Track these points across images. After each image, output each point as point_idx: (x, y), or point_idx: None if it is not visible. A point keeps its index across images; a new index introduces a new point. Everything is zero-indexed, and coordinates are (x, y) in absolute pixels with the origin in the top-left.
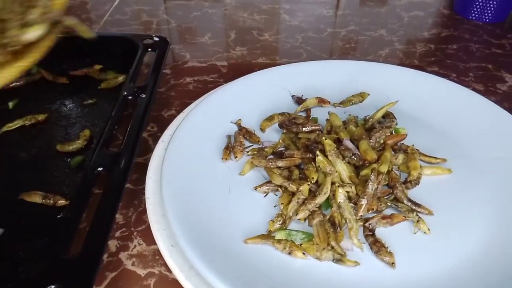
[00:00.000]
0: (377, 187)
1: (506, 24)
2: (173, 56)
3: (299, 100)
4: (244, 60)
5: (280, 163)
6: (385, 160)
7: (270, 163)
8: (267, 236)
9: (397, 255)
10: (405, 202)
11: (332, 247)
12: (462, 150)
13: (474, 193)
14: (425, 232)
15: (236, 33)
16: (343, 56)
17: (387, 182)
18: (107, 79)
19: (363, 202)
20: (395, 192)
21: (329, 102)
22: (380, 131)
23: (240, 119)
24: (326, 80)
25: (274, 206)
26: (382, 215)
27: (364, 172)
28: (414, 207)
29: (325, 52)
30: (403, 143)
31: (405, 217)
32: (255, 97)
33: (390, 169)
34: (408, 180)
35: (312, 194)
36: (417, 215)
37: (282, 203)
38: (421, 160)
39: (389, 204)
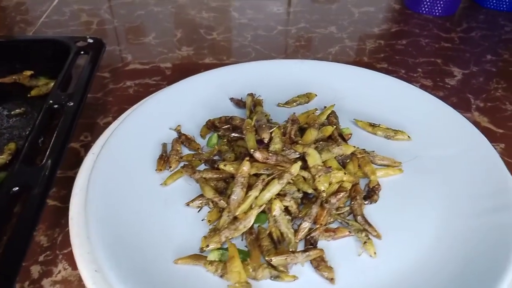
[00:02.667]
0: (335, 203)
1: (456, 17)
2: (113, 58)
3: (238, 103)
4: (190, 60)
5: (208, 175)
6: (349, 174)
7: (196, 174)
8: (199, 257)
9: (338, 269)
10: (358, 218)
11: (270, 264)
12: (409, 149)
13: (421, 194)
14: (371, 256)
15: (183, 32)
16: (293, 54)
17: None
18: (38, 85)
19: (305, 225)
20: (352, 203)
21: (261, 100)
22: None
23: (179, 125)
24: (273, 80)
25: (202, 220)
26: (325, 227)
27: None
28: (365, 227)
29: (274, 51)
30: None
31: (349, 232)
32: (197, 101)
33: (357, 182)
34: (370, 187)
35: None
36: (366, 235)
37: (209, 220)
38: (373, 163)
39: (339, 220)
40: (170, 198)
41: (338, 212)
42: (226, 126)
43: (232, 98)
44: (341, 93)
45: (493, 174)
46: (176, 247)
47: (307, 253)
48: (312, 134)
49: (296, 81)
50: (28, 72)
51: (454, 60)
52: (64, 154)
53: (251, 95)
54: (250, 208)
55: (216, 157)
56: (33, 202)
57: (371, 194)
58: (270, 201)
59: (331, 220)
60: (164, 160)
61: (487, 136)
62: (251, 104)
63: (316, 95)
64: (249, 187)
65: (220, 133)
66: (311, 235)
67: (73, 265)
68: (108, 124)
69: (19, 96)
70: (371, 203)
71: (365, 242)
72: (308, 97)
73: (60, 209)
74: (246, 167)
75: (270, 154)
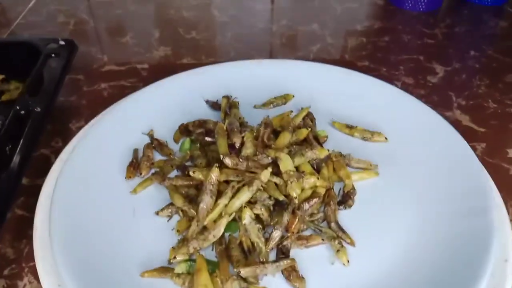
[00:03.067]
0: (308, 209)
1: (440, 13)
2: (88, 59)
3: (214, 105)
4: (167, 61)
5: (178, 182)
6: (323, 179)
7: (166, 182)
8: (166, 269)
9: (310, 279)
10: (331, 225)
11: (239, 276)
12: (386, 150)
13: (397, 197)
14: (344, 264)
15: (161, 31)
16: (274, 53)
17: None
18: (9, 90)
19: (277, 234)
20: (326, 209)
21: (237, 103)
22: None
23: (152, 130)
24: (250, 81)
25: (172, 230)
26: (298, 235)
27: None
28: (339, 234)
29: (254, 50)
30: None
31: (323, 239)
32: (172, 103)
33: (331, 187)
34: (345, 192)
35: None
36: (339, 243)
37: (178, 230)
38: (349, 166)
39: (312, 227)
40: (140, 207)
41: (311, 219)
42: (199, 130)
43: (208, 100)
44: (319, 93)
45: (470, 176)
46: (144, 259)
47: (278, 263)
48: (285, 138)
49: (274, 82)
50: None
51: (436, 57)
52: (27, 163)
53: (226, 97)
54: (220, 216)
55: (188, 163)
56: None
57: (345, 199)
58: (240, 209)
59: (304, 227)
60: (134, 166)
61: (468, 135)
62: (226, 107)
63: (293, 96)
64: (220, 194)
65: (193, 137)
66: (283, 243)
67: (39, 279)
68: (80, 128)
69: None
70: (345, 209)
71: (338, 250)
72: (285, 98)
73: (27, 219)
74: (214, 174)
75: (241, 159)
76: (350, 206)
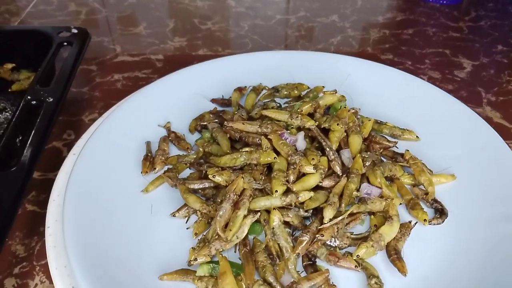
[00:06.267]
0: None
1: (464, 5)
2: (101, 50)
3: (223, 103)
4: (182, 52)
5: (194, 185)
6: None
7: (178, 183)
8: (187, 271)
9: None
10: (391, 253)
11: (265, 282)
12: (417, 148)
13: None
14: None
15: (176, 22)
16: (292, 45)
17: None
18: (19, 80)
19: (305, 238)
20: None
21: (246, 88)
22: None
23: (169, 122)
24: (269, 72)
25: (187, 228)
26: (329, 251)
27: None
28: (394, 258)
29: (272, 41)
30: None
31: (356, 266)
32: (188, 95)
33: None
34: (430, 200)
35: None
36: (376, 283)
37: (196, 233)
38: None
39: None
40: (156, 204)
41: (354, 237)
42: (215, 120)
43: (214, 99)
44: (343, 86)
45: (508, 177)
46: (161, 261)
47: (313, 282)
48: (357, 142)
49: (295, 74)
50: (9, 65)
51: (463, 51)
52: (39, 156)
53: (237, 90)
54: (244, 217)
55: (201, 161)
56: (2, 212)
57: (439, 208)
58: (268, 212)
59: (345, 244)
60: (149, 161)
61: (500, 133)
62: (237, 100)
63: (308, 86)
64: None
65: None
66: (309, 249)
67: (51, 278)
68: (93, 121)
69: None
70: (443, 221)
71: None
72: (297, 88)
73: (39, 215)
74: (240, 185)
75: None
76: (446, 217)
